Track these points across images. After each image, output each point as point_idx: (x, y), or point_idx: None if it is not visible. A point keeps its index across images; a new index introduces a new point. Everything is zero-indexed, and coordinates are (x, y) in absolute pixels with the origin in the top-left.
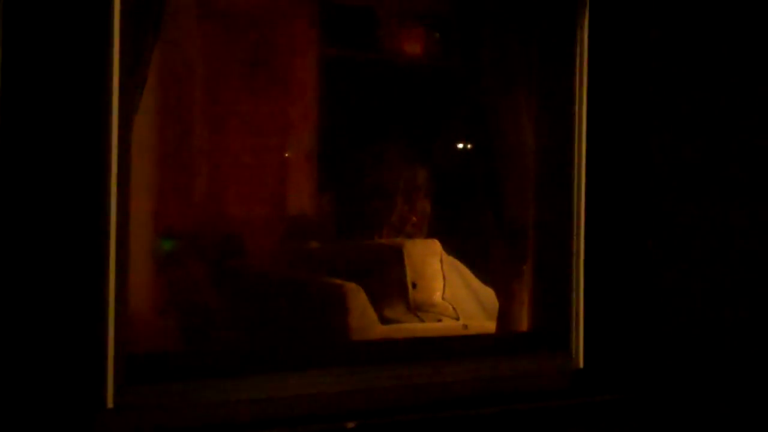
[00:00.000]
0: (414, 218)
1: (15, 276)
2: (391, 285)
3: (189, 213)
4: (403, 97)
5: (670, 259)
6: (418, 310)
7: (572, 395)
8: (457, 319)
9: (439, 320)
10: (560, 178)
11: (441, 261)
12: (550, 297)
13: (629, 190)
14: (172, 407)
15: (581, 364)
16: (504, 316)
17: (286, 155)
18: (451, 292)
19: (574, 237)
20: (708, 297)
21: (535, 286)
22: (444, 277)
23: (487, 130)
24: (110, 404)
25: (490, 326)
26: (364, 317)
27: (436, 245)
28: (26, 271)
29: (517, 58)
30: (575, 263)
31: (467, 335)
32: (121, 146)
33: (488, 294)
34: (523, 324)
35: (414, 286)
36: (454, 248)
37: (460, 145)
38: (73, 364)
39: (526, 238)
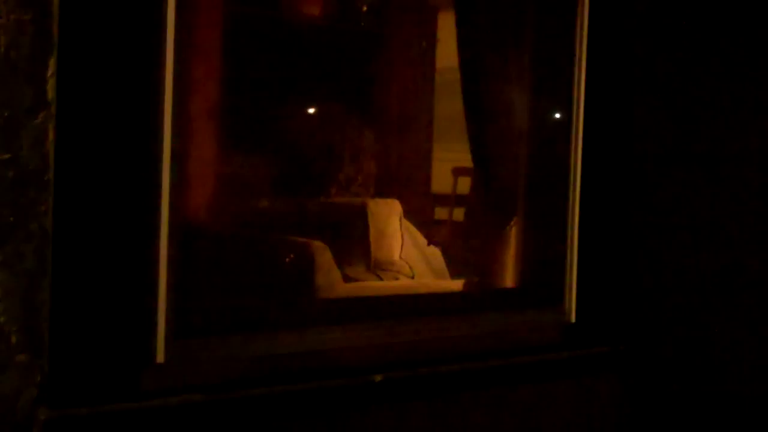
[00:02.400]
0: (359, 178)
1: (72, 225)
2: (353, 243)
3: None
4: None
5: (655, 219)
6: (377, 268)
7: (564, 348)
8: (412, 277)
9: (396, 279)
10: (554, 133)
11: (400, 221)
12: (541, 253)
13: (621, 151)
14: (221, 361)
15: (573, 319)
16: (492, 272)
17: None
18: (406, 250)
19: (571, 193)
20: (689, 248)
21: (525, 242)
22: (402, 237)
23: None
24: (161, 359)
25: (448, 284)
26: (329, 275)
27: (396, 205)
28: (82, 221)
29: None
30: (570, 220)
31: (463, 292)
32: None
33: (434, 253)
34: (510, 280)
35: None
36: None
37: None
38: (125, 318)
39: (514, 194)
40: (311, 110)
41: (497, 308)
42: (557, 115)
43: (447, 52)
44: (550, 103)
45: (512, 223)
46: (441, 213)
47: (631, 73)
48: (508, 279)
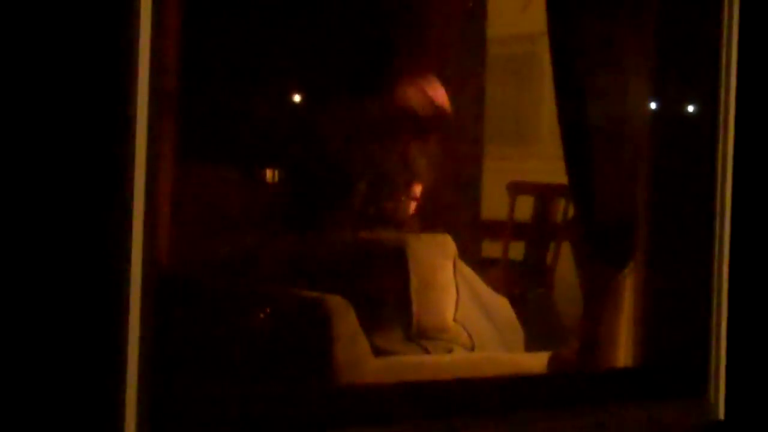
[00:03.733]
0: (394, 204)
1: None
2: (387, 300)
3: None
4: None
5: None
6: (422, 336)
7: None
8: (473, 349)
9: (450, 351)
10: (692, 140)
11: (454, 265)
12: (672, 317)
13: None
14: None
15: (721, 416)
16: (594, 342)
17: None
18: (462, 309)
19: (717, 228)
20: None
21: (646, 299)
22: (457, 290)
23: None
24: None
25: (527, 361)
26: (354, 346)
27: (447, 243)
28: None
29: None
30: (716, 267)
31: (554, 374)
32: None
33: (501, 308)
34: (624, 356)
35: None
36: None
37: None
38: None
39: (631, 227)
40: (318, 107)
41: (606, 399)
42: (696, 114)
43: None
44: (685, 97)
45: (627, 270)
46: (490, 248)
47: None
48: (621, 354)
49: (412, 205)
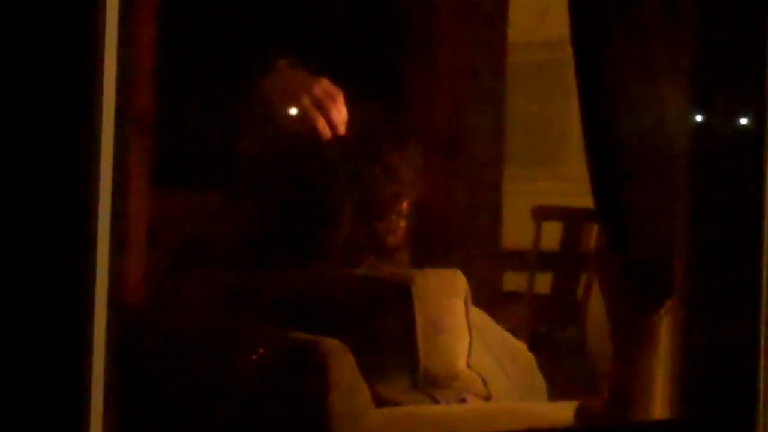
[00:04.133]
0: (397, 234)
1: None
2: (391, 343)
3: None
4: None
5: None
6: (430, 384)
7: None
8: (488, 398)
9: (463, 401)
10: (737, 158)
11: (466, 305)
12: (714, 362)
13: None
14: None
15: None
16: (627, 390)
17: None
18: (476, 354)
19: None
20: None
21: (685, 342)
22: (470, 332)
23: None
24: None
25: (549, 411)
26: (353, 396)
27: (458, 279)
28: None
29: None
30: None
31: (582, 427)
32: None
33: (520, 352)
34: (659, 407)
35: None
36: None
37: None
38: None
39: (668, 259)
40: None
41: None
42: (743, 129)
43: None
44: (729, 110)
45: (664, 309)
46: (512, 280)
47: None
48: (656, 406)
49: (416, 236)
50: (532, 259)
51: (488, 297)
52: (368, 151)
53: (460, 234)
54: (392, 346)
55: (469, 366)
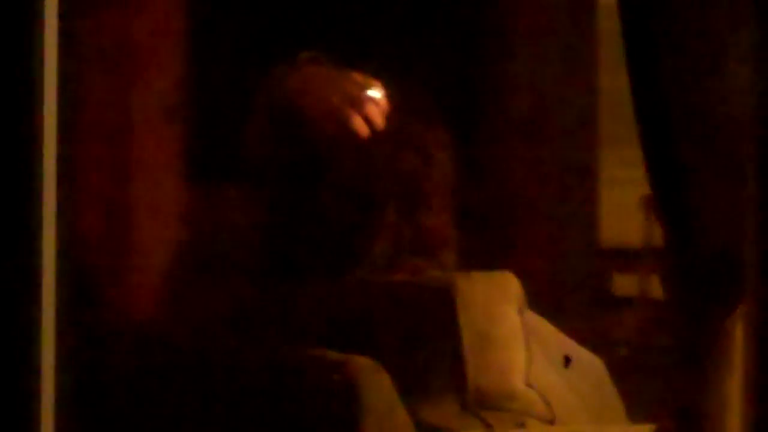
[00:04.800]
0: (441, 234)
1: None
2: (433, 360)
3: None
4: None
5: None
6: (481, 405)
7: None
8: (552, 422)
9: (521, 426)
10: None
11: (521, 313)
12: None
13: None
14: None
15: None
16: (697, 415)
17: None
18: (536, 370)
19: None
20: None
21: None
22: (528, 344)
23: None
24: None
25: None
26: (390, 421)
27: (510, 283)
28: None
29: None
30: None
31: None
32: None
33: (590, 367)
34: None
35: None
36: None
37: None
38: None
39: (738, 269)
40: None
41: None
42: None
43: None
44: None
45: (734, 315)
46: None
47: None
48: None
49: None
50: (643, 258)
51: (582, 303)
52: (405, 137)
53: (544, 230)
54: (435, 362)
55: (528, 384)
